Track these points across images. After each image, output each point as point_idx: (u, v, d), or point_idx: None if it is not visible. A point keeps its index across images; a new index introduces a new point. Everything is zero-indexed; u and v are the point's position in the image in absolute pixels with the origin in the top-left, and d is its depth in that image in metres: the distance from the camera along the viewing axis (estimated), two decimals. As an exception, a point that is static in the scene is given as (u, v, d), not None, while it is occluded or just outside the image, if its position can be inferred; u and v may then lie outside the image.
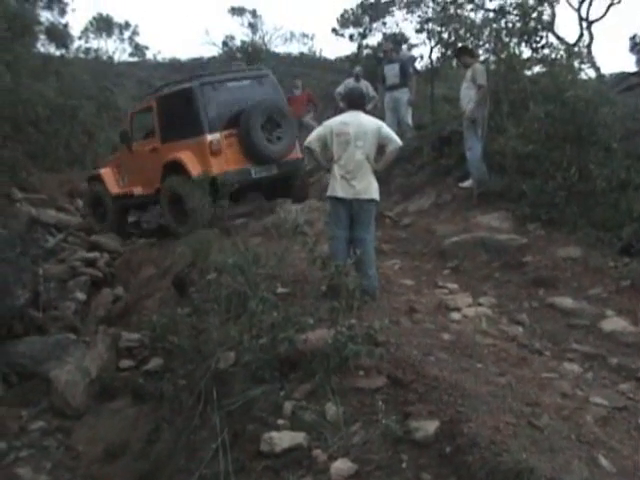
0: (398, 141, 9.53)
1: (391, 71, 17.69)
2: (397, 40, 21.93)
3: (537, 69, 15.12)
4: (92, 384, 10.19)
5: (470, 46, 15.52)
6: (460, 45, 16.03)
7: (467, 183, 13.37)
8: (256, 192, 16.06)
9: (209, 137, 14.43)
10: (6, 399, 10.41)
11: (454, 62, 20.92)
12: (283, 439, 6.23)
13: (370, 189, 9.35)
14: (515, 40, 14.93)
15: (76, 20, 44.94)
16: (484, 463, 5.26)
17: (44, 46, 31.26)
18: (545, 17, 15.95)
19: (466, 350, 7.55)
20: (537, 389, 6.77)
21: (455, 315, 9.02)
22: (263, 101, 15.06)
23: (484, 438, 5.49)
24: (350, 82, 19.08)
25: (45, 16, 33.48)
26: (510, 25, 15.62)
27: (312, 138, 9.71)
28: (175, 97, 15.36)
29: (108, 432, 9.27)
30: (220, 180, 13.63)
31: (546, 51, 14.94)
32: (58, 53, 33.77)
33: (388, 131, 9.59)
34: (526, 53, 14.79)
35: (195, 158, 14.53)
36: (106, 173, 17.30)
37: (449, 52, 20.23)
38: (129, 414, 9.53)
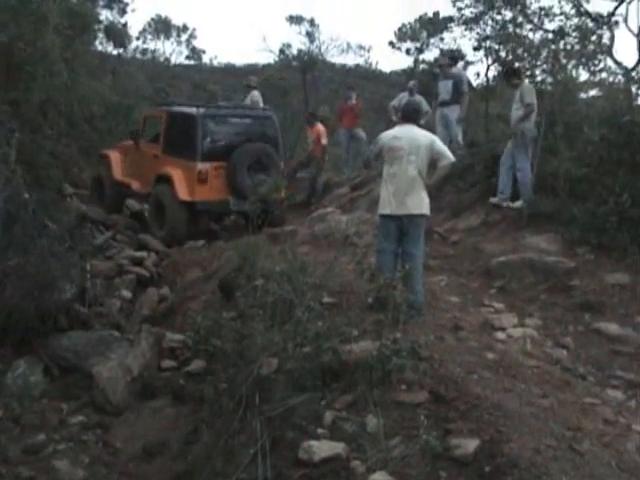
0: (451, 157, 9.51)
1: (444, 87, 17.62)
2: (454, 56, 21.84)
3: (593, 92, 15.06)
4: (133, 382, 10.20)
5: (521, 66, 15.47)
6: (507, 66, 15.98)
7: (517, 203, 13.29)
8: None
9: (199, 166, 15.63)
10: (47, 392, 10.44)
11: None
12: (322, 448, 6.23)
13: (421, 204, 9.33)
14: (573, 62, 14.89)
15: (135, 20, 45.44)
16: (523, 485, 5.25)
17: (102, 45, 31.59)
18: (604, 41, 15.90)
19: (509, 370, 7.51)
20: (579, 414, 6.73)
21: (500, 335, 8.99)
22: (255, 144, 16.14)
23: (524, 459, 5.47)
24: (404, 96, 19.05)
25: (105, 15, 33.87)
26: (568, 47, 15.59)
27: (372, 154, 10.13)
28: (181, 118, 16.48)
29: (147, 431, 9.28)
30: (199, 206, 15.61)
31: (604, 75, 14.91)
32: (115, 52, 34.11)
33: (441, 146, 9.57)
34: (583, 76, 14.73)
35: (183, 179, 15.71)
36: (114, 157, 18.32)
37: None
38: (168, 414, 9.54)
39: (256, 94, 21.39)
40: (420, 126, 9.90)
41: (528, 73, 17.19)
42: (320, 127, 19.72)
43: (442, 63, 18.95)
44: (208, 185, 15.67)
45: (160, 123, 17.03)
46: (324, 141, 19.43)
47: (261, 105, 20.26)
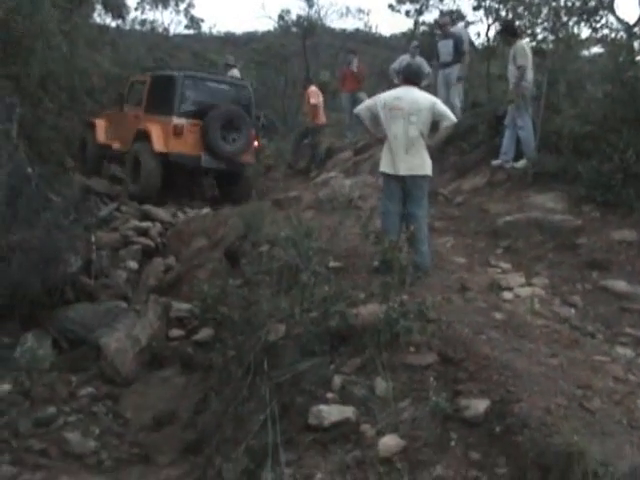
0: (453, 118, 9.47)
1: (444, 47, 17.49)
2: (453, 17, 21.70)
3: (595, 49, 14.96)
4: (141, 352, 10.22)
5: (519, 24, 15.36)
6: (504, 24, 15.87)
7: (521, 163, 13.23)
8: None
9: (175, 120, 17.02)
10: (56, 365, 10.48)
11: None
12: (332, 413, 6.24)
13: (424, 165, 9.31)
14: (574, 19, 14.77)
15: (133, -9, 45.24)
16: (534, 444, 5.24)
17: (100, 16, 31.35)
18: (605, -4, 15.78)
19: (518, 330, 7.49)
20: (589, 372, 6.70)
21: (507, 295, 8.97)
22: (230, 106, 17.70)
23: (535, 419, 5.46)
24: (405, 58, 18.96)
25: (102, -13, 33.68)
26: (569, 4, 15.45)
27: (362, 107, 9.84)
28: (163, 80, 17.92)
29: (156, 400, 9.31)
30: (171, 157, 16.88)
31: (605, 31, 14.79)
32: (114, 24, 33.93)
33: (442, 107, 9.53)
34: (585, 33, 14.62)
35: (160, 133, 17.02)
36: (99, 123, 19.60)
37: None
38: (178, 383, 9.57)
39: (235, 72, 22.10)
40: (422, 88, 9.85)
41: (529, 31, 17.08)
42: (311, 89, 19.71)
43: (442, 23, 18.80)
44: (182, 139, 16.99)
45: (143, 87, 18.48)
46: (312, 100, 19.43)
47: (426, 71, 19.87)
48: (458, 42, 17.33)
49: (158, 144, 16.83)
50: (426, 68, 18.18)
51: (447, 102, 15.07)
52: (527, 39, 14.49)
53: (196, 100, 17.56)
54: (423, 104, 9.30)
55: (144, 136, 17.18)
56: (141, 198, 16.61)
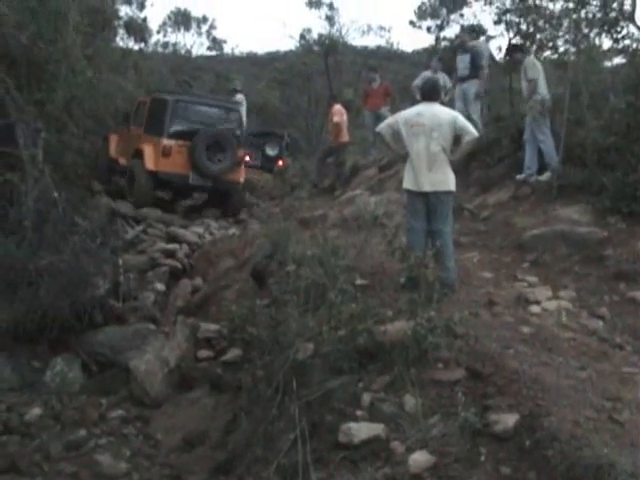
0: (474, 132, 9.48)
1: (462, 62, 17.44)
2: (475, 30, 21.68)
3: (617, 60, 14.94)
4: (171, 374, 10.26)
5: (520, 43, 15.40)
6: (508, 45, 15.90)
7: (545, 175, 13.21)
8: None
9: (164, 142, 18.26)
10: (86, 388, 10.56)
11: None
12: (361, 430, 6.25)
13: (447, 181, 9.31)
14: (595, 31, 14.75)
15: (154, 14, 45.64)
16: (564, 457, 5.23)
17: (123, 40, 31.70)
18: (626, 7, 15.73)
19: (546, 343, 7.48)
20: (618, 384, 6.69)
21: (535, 308, 8.94)
22: (217, 128, 18.91)
23: (564, 432, 5.46)
24: (427, 74, 18.98)
25: (124, 10, 34.00)
26: (590, 16, 15.43)
27: (383, 125, 9.89)
28: (159, 103, 19.13)
29: (186, 421, 9.34)
30: (160, 175, 18.17)
31: (627, 42, 14.75)
32: (137, 47, 34.19)
33: (464, 122, 9.54)
34: (606, 44, 14.59)
35: (152, 153, 18.30)
36: (112, 138, 20.87)
37: (528, 43, 20.01)
38: (207, 404, 9.59)
39: (240, 97, 23.30)
40: (442, 103, 9.87)
41: (550, 44, 17.08)
42: (336, 107, 19.74)
43: (462, 39, 18.77)
44: (171, 159, 18.20)
45: (145, 108, 19.61)
46: (335, 119, 19.41)
47: (244, 107, 22.90)
48: (475, 57, 17.20)
49: (149, 163, 18.19)
50: (447, 83, 18.18)
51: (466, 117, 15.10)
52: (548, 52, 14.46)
53: (186, 122, 18.68)
54: (444, 119, 9.32)
55: (140, 154, 18.51)
56: (136, 207, 17.69)
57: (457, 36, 26.15)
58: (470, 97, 17.01)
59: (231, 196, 19.54)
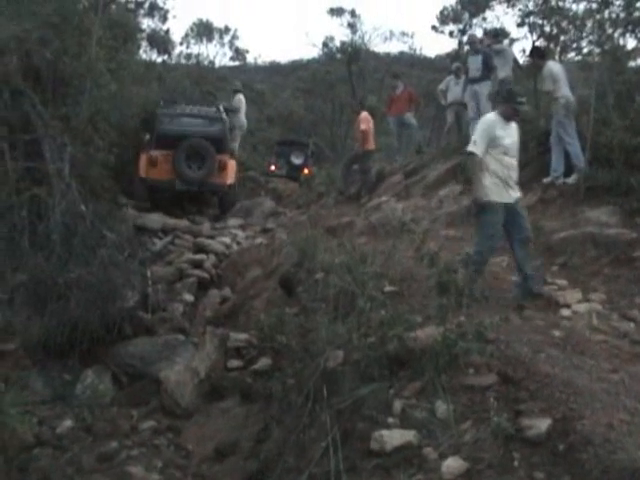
0: (469, 147, 9.46)
1: (473, 63, 17.40)
2: (498, 34, 21.59)
3: (642, 59, 14.85)
4: (201, 384, 10.28)
5: (544, 45, 15.31)
6: (532, 47, 15.81)
7: (572, 178, 13.14)
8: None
9: (152, 153, 20.36)
10: (117, 399, 10.62)
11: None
12: (393, 437, 6.21)
13: (481, 191, 9.34)
14: (619, 31, 14.66)
15: (177, 26, 45.92)
16: (598, 461, 5.18)
17: (146, 52, 31.85)
18: (650, 7, 15.65)
19: (577, 347, 7.43)
20: (651, 386, 6.64)
21: (565, 311, 8.89)
22: (196, 139, 20.53)
23: (598, 436, 5.41)
24: (451, 79, 18.97)
25: (147, 23, 34.19)
26: (614, 16, 15.35)
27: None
28: (155, 117, 21.19)
29: (217, 431, 9.35)
30: (149, 182, 20.32)
31: (652, 41, 14.66)
32: (160, 59, 34.32)
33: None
34: (631, 44, 14.50)
35: (144, 162, 20.42)
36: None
37: (552, 45, 19.95)
38: (238, 413, 9.59)
39: (239, 97, 25.51)
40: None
41: (574, 45, 17.01)
42: (363, 114, 19.69)
43: (473, 40, 18.67)
44: (158, 168, 20.23)
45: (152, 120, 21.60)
46: (363, 127, 19.34)
47: (243, 107, 25.54)
48: (487, 58, 17.16)
49: (141, 171, 20.40)
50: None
51: (477, 119, 15.04)
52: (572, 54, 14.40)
53: (171, 133, 20.57)
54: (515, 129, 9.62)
55: (137, 164, 20.69)
56: (137, 206, 19.64)
57: (469, 36, 26.09)
58: (483, 99, 16.94)
59: (220, 197, 21.71)
